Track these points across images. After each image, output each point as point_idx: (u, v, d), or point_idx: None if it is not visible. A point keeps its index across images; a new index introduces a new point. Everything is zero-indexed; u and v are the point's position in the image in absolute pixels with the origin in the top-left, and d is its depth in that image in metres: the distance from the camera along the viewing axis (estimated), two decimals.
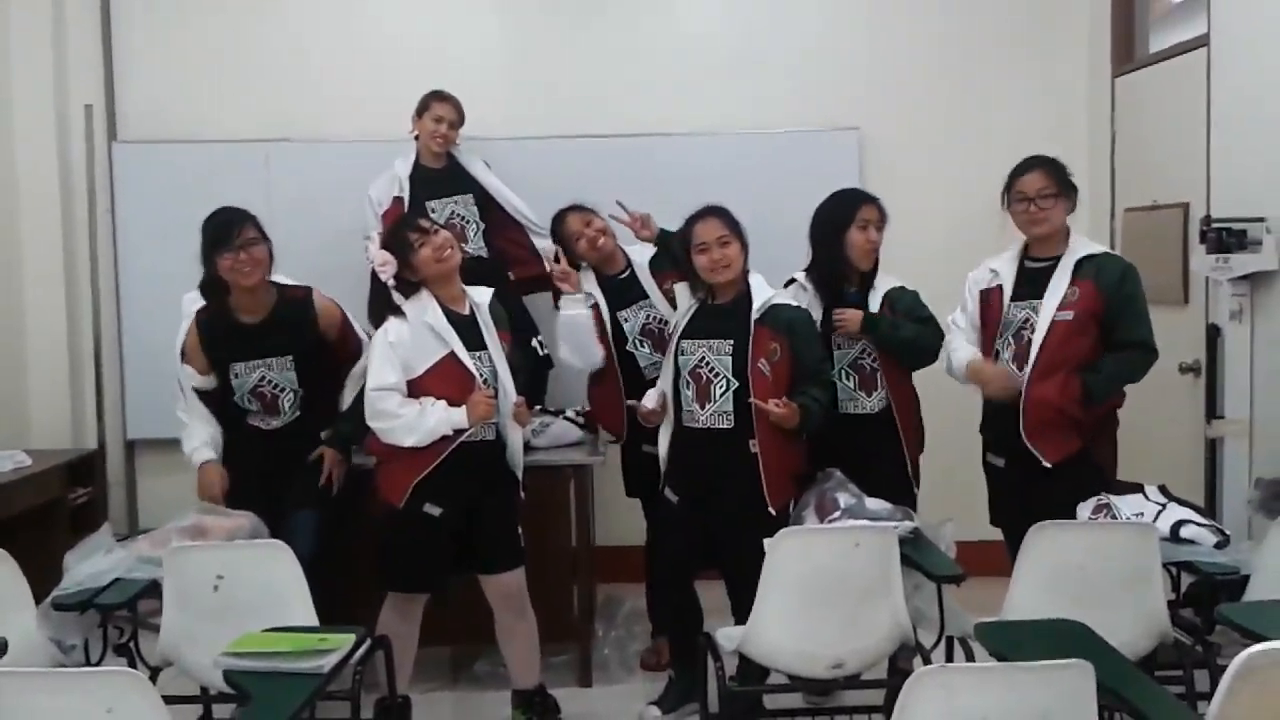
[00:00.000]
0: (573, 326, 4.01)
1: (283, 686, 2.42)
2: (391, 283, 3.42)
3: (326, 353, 3.79)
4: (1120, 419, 3.67)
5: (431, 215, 4.03)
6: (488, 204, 4.54)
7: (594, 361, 4.09)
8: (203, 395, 3.75)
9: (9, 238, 5.01)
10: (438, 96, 4.49)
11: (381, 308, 3.46)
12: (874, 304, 3.70)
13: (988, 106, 5.17)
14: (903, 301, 3.73)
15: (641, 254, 4.21)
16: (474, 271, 3.80)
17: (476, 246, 4.43)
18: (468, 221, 4.48)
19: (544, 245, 4.47)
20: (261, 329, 3.68)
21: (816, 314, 3.75)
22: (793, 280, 3.84)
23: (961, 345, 3.72)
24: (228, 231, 3.56)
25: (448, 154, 4.56)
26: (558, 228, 4.19)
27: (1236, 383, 3.97)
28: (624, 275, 4.19)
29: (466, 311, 3.51)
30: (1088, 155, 5.07)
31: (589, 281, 4.15)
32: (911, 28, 5.21)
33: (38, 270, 5.06)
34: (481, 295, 3.57)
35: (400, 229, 3.51)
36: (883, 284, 3.75)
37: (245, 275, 3.58)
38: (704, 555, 3.63)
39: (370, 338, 3.57)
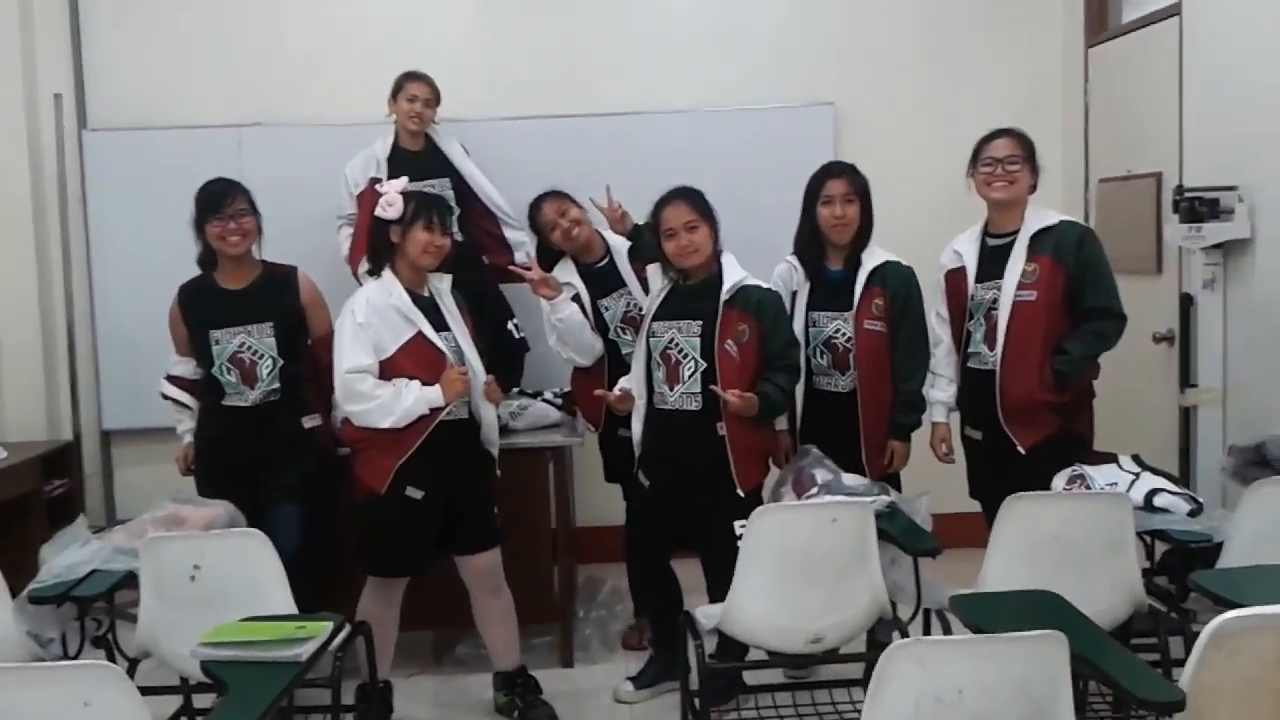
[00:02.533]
0: (568, 328, 3.98)
1: (260, 676, 2.41)
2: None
3: (304, 330, 3.79)
4: (1096, 390, 3.69)
5: None
6: (464, 190, 4.52)
7: (597, 353, 4.07)
8: (179, 382, 3.77)
9: None
10: (412, 76, 4.47)
11: (376, 244, 3.53)
12: (859, 281, 3.68)
13: (962, 79, 5.17)
14: (892, 281, 3.68)
15: (621, 240, 4.17)
16: (449, 256, 3.78)
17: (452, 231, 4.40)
18: None
19: (514, 237, 4.45)
20: (243, 295, 3.72)
21: (804, 291, 3.75)
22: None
23: (941, 378, 3.74)
24: (219, 200, 3.65)
25: (426, 137, 4.54)
26: (533, 216, 4.15)
27: (1210, 351, 3.98)
28: (603, 264, 4.15)
29: (426, 294, 3.53)
30: (1061, 126, 5.09)
31: (568, 271, 4.11)
32: (886, 2, 5.20)
33: (9, 261, 5.01)
34: (441, 280, 3.58)
35: (427, 202, 3.53)
36: (871, 260, 3.71)
37: (232, 245, 3.66)
38: (678, 536, 3.64)
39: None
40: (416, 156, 4.49)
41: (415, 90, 4.44)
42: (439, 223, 3.47)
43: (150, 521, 3.23)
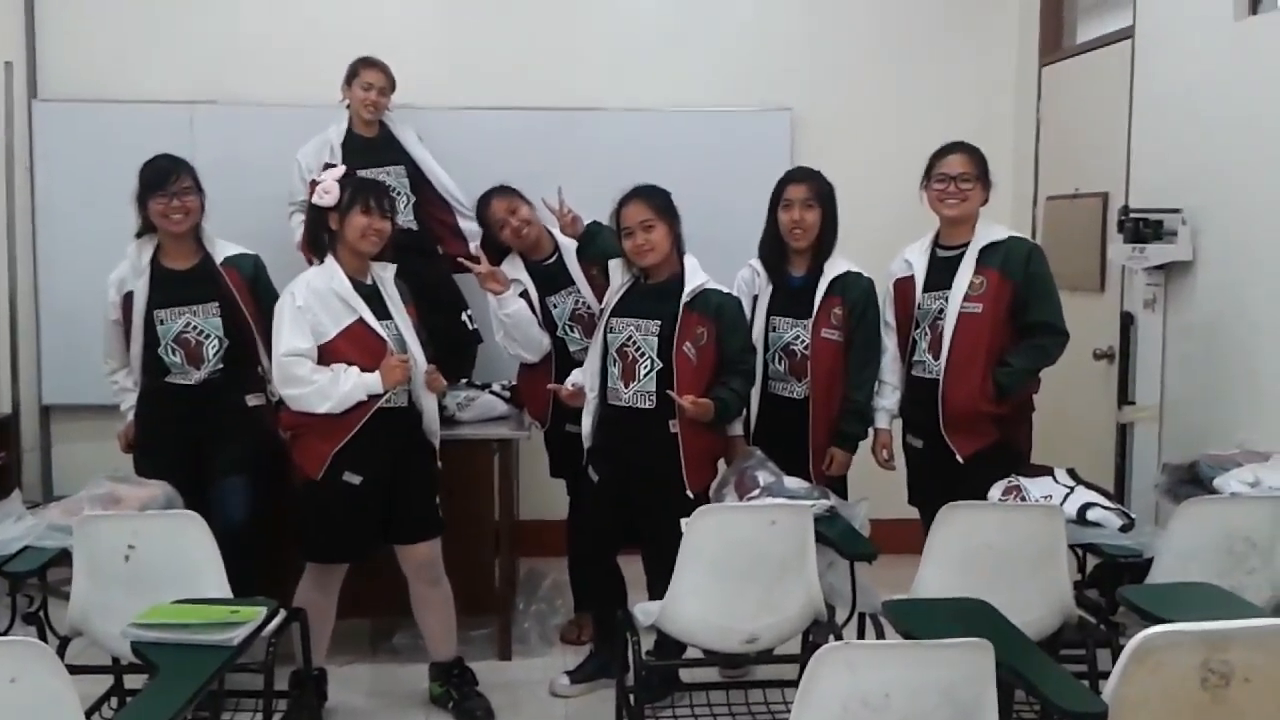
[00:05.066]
0: (515, 323, 3.98)
1: (191, 658, 2.40)
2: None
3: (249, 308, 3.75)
4: (1035, 404, 3.75)
5: None
6: (418, 177, 4.49)
7: (544, 349, 4.06)
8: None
9: None
10: (367, 63, 4.43)
11: (317, 233, 3.49)
12: (820, 289, 3.70)
13: (919, 92, 5.22)
14: (852, 291, 3.70)
15: (569, 239, 4.17)
16: (403, 244, 3.76)
17: (406, 219, 4.35)
18: (398, 193, 4.40)
19: (469, 226, 4.43)
20: (188, 275, 3.69)
21: (765, 296, 3.77)
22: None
23: (886, 385, 3.76)
24: (164, 177, 3.62)
25: (380, 123, 4.50)
26: (482, 211, 4.14)
27: (1148, 370, 4.06)
28: (551, 261, 4.15)
29: (369, 281, 3.51)
30: (1013, 142, 5.16)
31: (516, 267, 4.11)
32: (846, 9, 5.24)
33: None
34: (385, 269, 3.57)
35: (363, 186, 3.49)
36: (833, 269, 3.72)
37: (175, 223, 3.63)
38: (626, 532, 3.65)
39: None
40: (371, 143, 4.46)
41: (370, 78, 4.41)
42: (377, 206, 3.44)
43: (86, 499, 3.21)
